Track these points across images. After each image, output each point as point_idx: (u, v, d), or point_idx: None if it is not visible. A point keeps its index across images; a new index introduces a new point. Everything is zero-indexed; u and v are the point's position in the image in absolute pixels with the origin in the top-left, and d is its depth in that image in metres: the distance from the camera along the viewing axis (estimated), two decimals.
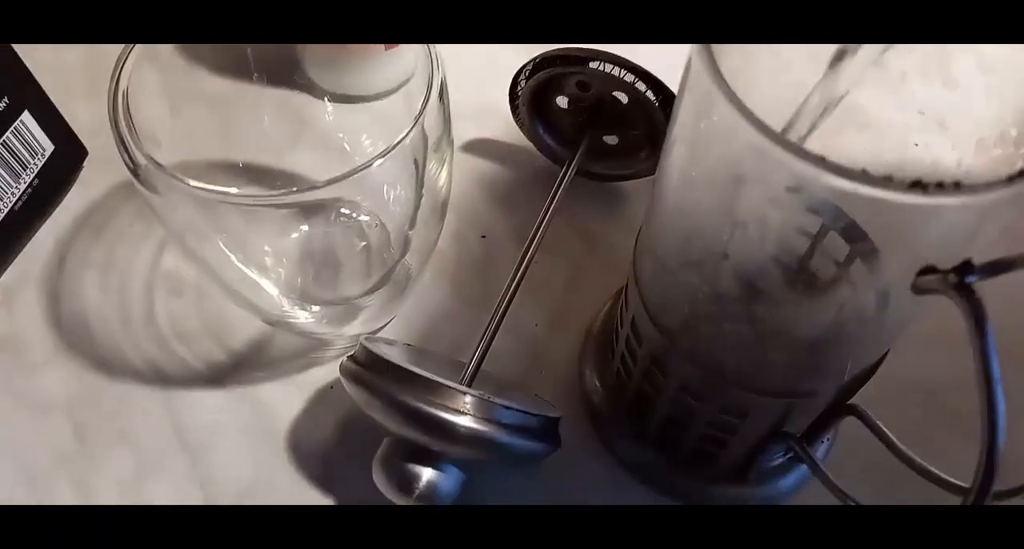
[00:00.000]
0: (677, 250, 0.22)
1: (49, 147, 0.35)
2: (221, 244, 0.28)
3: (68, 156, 0.36)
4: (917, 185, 0.15)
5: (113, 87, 0.25)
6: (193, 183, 0.24)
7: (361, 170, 0.24)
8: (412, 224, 0.31)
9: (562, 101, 0.36)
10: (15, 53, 0.33)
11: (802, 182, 0.16)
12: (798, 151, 0.15)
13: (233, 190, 0.24)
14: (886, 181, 0.15)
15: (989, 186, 0.15)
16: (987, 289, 0.17)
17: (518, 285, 0.31)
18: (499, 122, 0.39)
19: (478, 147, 0.40)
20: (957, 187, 0.15)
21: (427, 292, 0.35)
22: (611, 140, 0.36)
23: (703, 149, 0.19)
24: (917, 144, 0.23)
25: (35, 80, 0.34)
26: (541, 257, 0.35)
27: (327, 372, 0.33)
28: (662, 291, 0.24)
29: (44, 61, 0.42)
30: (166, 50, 0.29)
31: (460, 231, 0.37)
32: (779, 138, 0.16)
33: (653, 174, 0.36)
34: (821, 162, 0.15)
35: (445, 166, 0.30)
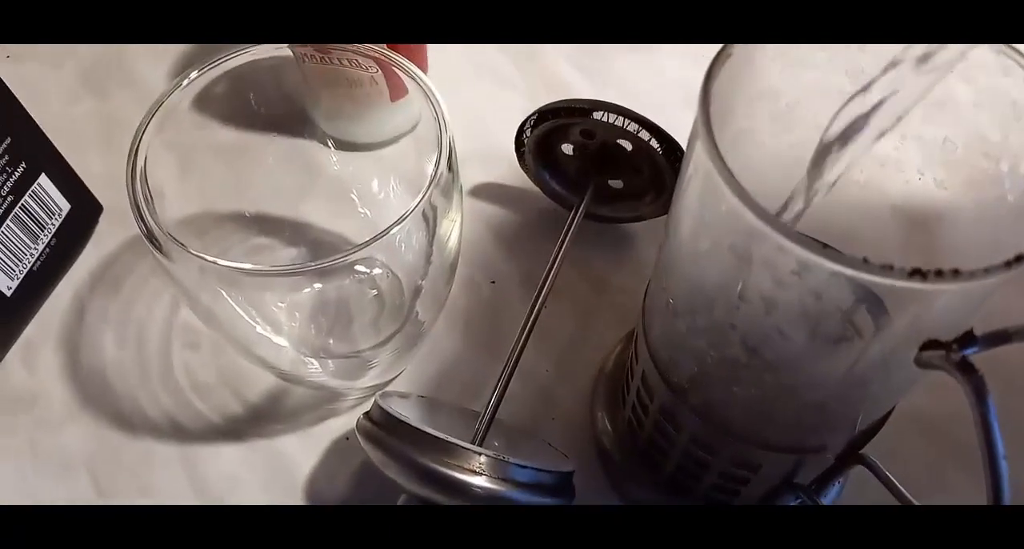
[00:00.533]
0: (685, 316, 0.22)
1: (66, 207, 0.36)
2: (233, 304, 0.28)
3: (84, 213, 0.37)
4: (917, 273, 0.15)
5: (131, 162, 0.26)
6: (210, 258, 0.24)
7: (380, 238, 0.25)
8: (424, 275, 0.32)
9: (567, 148, 0.36)
10: (30, 117, 0.33)
11: (805, 267, 0.16)
12: (800, 239, 0.16)
13: (248, 266, 0.24)
14: (887, 269, 0.15)
15: (988, 271, 0.16)
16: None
17: (529, 333, 0.32)
18: (505, 165, 0.40)
19: (485, 191, 0.40)
20: (956, 274, 0.15)
21: (438, 339, 0.36)
22: (616, 184, 0.37)
23: (707, 227, 0.19)
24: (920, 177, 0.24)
25: (50, 142, 0.35)
26: (549, 301, 0.35)
27: (343, 423, 0.33)
28: (671, 350, 0.24)
29: (54, 113, 0.43)
30: (182, 106, 0.30)
31: (469, 276, 0.37)
32: (782, 226, 0.16)
33: (658, 216, 0.37)
34: (824, 250, 0.16)
35: (456, 220, 0.30)
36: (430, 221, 0.29)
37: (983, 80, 0.20)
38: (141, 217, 0.25)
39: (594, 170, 0.36)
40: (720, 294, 0.20)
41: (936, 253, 0.24)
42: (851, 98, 0.20)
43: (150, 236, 0.25)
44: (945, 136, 0.22)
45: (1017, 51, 0.19)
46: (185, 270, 0.26)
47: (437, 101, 0.28)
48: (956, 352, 0.17)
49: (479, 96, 0.44)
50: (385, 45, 0.36)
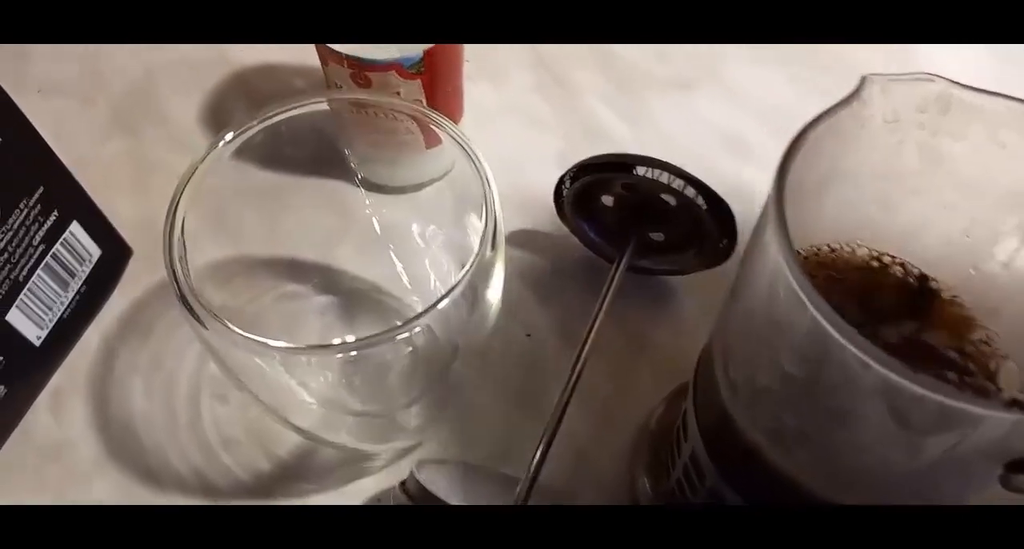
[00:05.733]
0: (745, 419, 0.21)
1: (96, 252, 0.35)
2: (263, 366, 0.28)
3: (114, 258, 0.37)
4: (1016, 404, 0.14)
5: (168, 232, 0.25)
6: (247, 335, 0.23)
7: (427, 313, 0.24)
8: (463, 332, 0.31)
9: (608, 199, 0.35)
10: (62, 164, 0.33)
11: (888, 389, 0.15)
12: (889, 363, 0.15)
13: (283, 344, 0.24)
14: (981, 399, 0.14)
15: None
16: None
17: (572, 394, 0.31)
18: (541, 210, 0.39)
19: (521, 239, 0.39)
20: None
21: (471, 395, 0.35)
22: (657, 236, 0.36)
23: (777, 334, 0.18)
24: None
25: (81, 188, 0.34)
26: (587, 358, 0.35)
27: (375, 483, 0.33)
28: (725, 447, 0.23)
29: (84, 151, 0.43)
30: (222, 156, 0.29)
31: (505, 328, 0.37)
32: (871, 349, 0.15)
33: (701, 270, 0.36)
34: (913, 376, 0.15)
35: (496, 273, 0.29)
36: (474, 288, 0.28)
37: None
38: (182, 295, 0.24)
39: (635, 223, 0.35)
40: (790, 394, 0.19)
41: None
42: None
43: (187, 305, 0.24)
44: None
45: None
46: (219, 339, 0.26)
47: (484, 169, 0.27)
48: None
49: (515, 139, 0.44)
50: (422, 99, 0.36)
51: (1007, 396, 0.14)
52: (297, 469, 0.33)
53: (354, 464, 0.33)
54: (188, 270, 0.26)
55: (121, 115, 0.45)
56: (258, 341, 0.24)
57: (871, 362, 0.15)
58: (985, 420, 0.15)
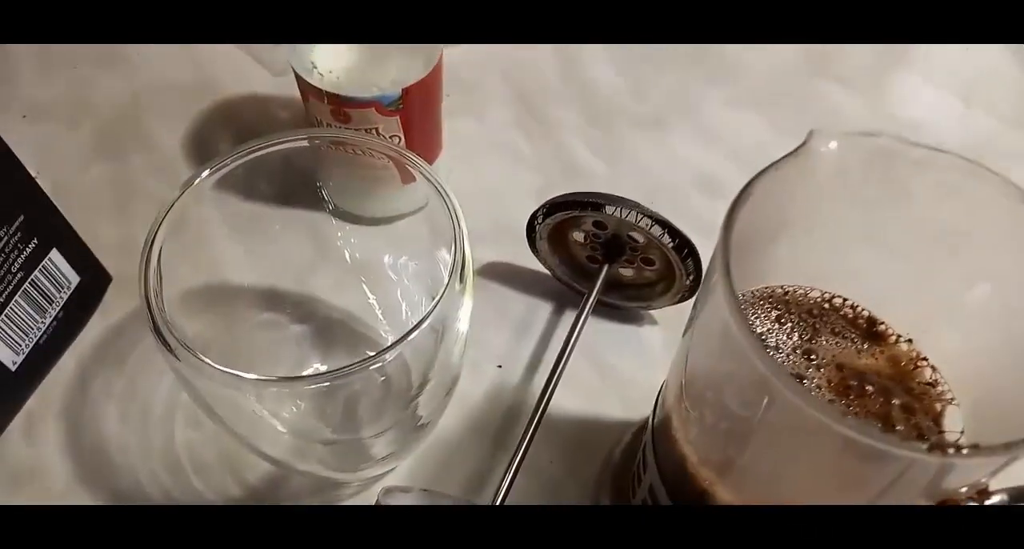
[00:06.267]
0: (695, 454, 0.22)
1: (75, 279, 0.36)
2: (235, 397, 0.28)
3: (93, 285, 0.37)
4: (937, 448, 0.15)
5: (143, 265, 0.26)
6: (219, 367, 0.24)
7: (394, 347, 0.25)
8: (431, 366, 0.31)
9: (579, 236, 0.36)
10: (43, 192, 0.33)
11: (822, 431, 0.16)
12: (822, 408, 0.16)
13: (255, 376, 0.24)
14: (909, 443, 0.15)
15: (1008, 447, 0.15)
16: None
17: (538, 425, 0.31)
18: (516, 243, 0.40)
19: (495, 271, 0.40)
20: (976, 449, 0.15)
21: (441, 426, 0.35)
22: (627, 272, 0.37)
23: (723, 374, 0.19)
24: None
25: (62, 216, 0.35)
26: (557, 389, 0.35)
27: None
28: (678, 480, 0.24)
29: (68, 178, 0.44)
30: (208, 185, 0.30)
31: (475, 359, 0.37)
32: (803, 393, 0.16)
33: (669, 305, 0.37)
34: (842, 419, 0.15)
35: (465, 305, 0.30)
36: (443, 319, 0.29)
37: None
38: (155, 327, 0.25)
39: (605, 259, 0.36)
40: (735, 431, 0.20)
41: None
42: None
43: (160, 337, 0.25)
44: None
45: None
46: (191, 371, 0.26)
47: (454, 205, 0.28)
48: None
49: (494, 174, 0.45)
50: (400, 135, 0.37)
51: (934, 440, 0.15)
52: (266, 496, 0.33)
53: (324, 492, 0.33)
54: (163, 303, 0.26)
55: (106, 140, 0.46)
56: (230, 373, 0.25)
57: (804, 405, 0.16)
58: (911, 461, 0.16)
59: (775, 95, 0.49)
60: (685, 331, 0.22)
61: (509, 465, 0.30)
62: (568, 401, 0.36)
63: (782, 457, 0.19)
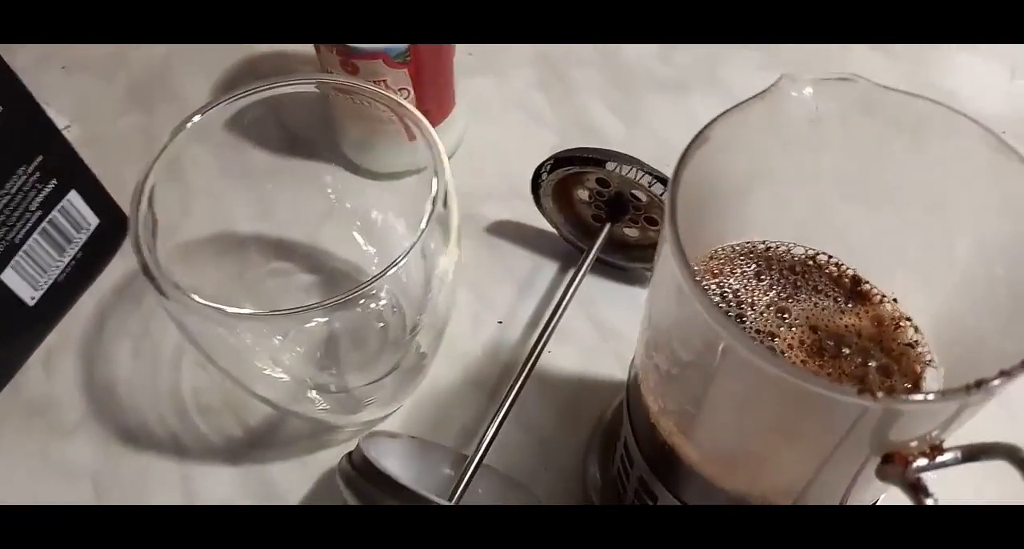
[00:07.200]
0: (656, 405, 0.22)
1: (94, 221, 0.37)
2: (232, 340, 0.29)
3: (113, 228, 0.38)
4: (866, 392, 0.15)
5: (135, 205, 0.26)
6: (206, 303, 0.25)
7: (377, 279, 0.25)
8: (423, 309, 0.32)
9: (583, 193, 0.36)
10: (62, 136, 0.35)
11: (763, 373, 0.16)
12: (756, 350, 0.15)
13: (248, 311, 0.25)
14: (841, 388, 0.15)
15: (946, 394, 0.15)
16: None
17: (527, 377, 0.31)
18: (526, 203, 0.40)
19: (503, 229, 0.40)
20: (910, 395, 0.15)
21: (439, 377, 0.36)
22: (632, 232, 0.37)
23: (677, 325, 0.19)
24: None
25: (81, 160, 0.36)
26: (555, 346, 0.35)
27: (334, 455, 0.34)
28: (645, 433, 0.24)
29: (100, 128, 0.45)
30: (214, 128, 0.31)
31: (478, 315, 0.37)
32: (737, 333, 0.16)
33: None
34: (778, 362, 0.15)
35: (452, 258, 0.30)
36: (428, 258, 0.29)
37: None
38: (144, 265, 0.25)
39: (609, 217, 0.36)
40: (690, 378, 0.20)
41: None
42: None
43: (146, 270, 0.26)
44: None
45: None
46: (182, 310, 0.27)
47: (438, 149, 0.28)
48: (912, 471, 0.16)
49: (510, 131, 0.44)
50: (410, 88, 0.37)
51: (862, 386, 0.15)
52: (264, 438, 0.34)
53: (319, 436, 0.34)
54: (154, 245, 0.27)
55: (138, 92, 0.47)
56: (216, 308, 0.26)
57: (739, 347, 0.16)
58: (855, 411, 0.16)
59: (810, 61, 0.47)
60: (650, 282, 0.22)
61: (495, 415, 0.30)
62: (566, 359, 0.36)
63: (733, 408, 0.19)
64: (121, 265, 0.40)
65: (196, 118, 0.29)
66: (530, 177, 0.37)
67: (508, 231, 0.40)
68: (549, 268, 0.39)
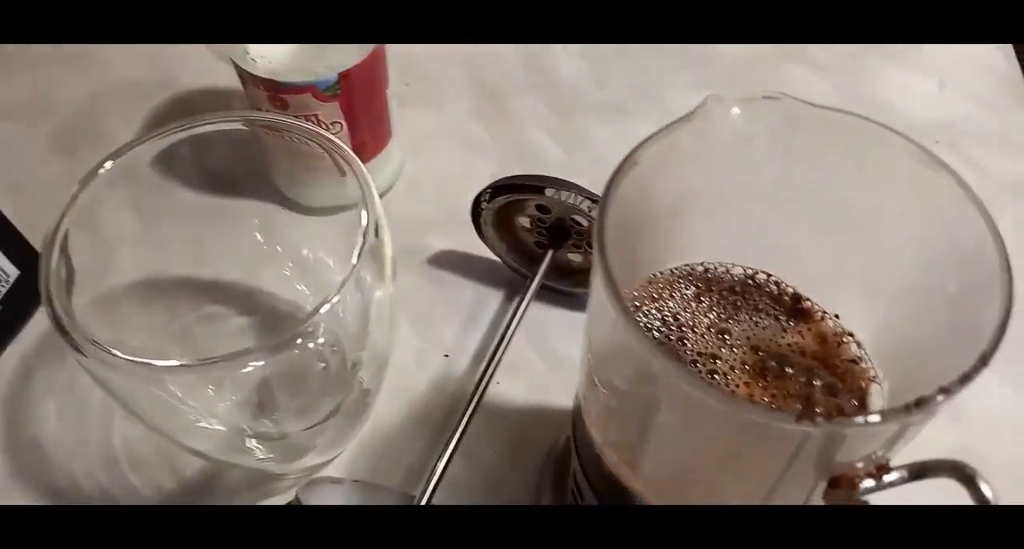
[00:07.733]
0: (599, 436, 0.21)
1: (14, 273, 0.35)
2: (161, 395, 0.27)
3: (34, 280, 0.37)
4: (805, 418, 0.14)
5: (47, 257, 0.25)
6: (131, 358, 0.24)
7: (312, 316, 0.24)
8: (363, 344, 0.31)
9: (524, 221, 0.35)
10: None
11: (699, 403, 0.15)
12: (692, 381, 0.15)
13: (176, 362, 0.24)
14: (780, 415, 0.14)
15: (887, 415, 0.14)
16: None
17: (473, 412, 0.31)
18: (468, 233, 0.39)
19: (445, 260, 0.40)
20: (845, 419, 0.14)
21: (383, 417, 0.34)
22: (575, 257, 0.36)
23: (611, 353, 0.18)
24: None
25: None
26: (503, 377, 0.35)
27: (278, 503, 0.32)
28: (592, 464, 0.23)
29: (22, 176, 0.43)
30: (140, 168, 0.30)
31: (422, 349, 0.36)
32: (665, 360, 0.15)
33: None
34: (711, 391, 0.15)
35: (388, 290, 0.29)
36: (364, 291, 0.28)
37: None
38: (50, 302, 0.24)
39: (551, 243, 0.35)
40: (630, 408, 0.19)
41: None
42: None
43: (58, 325, 0.24)
44: None
45: None
46: (102, 366, 0.25)
47: (366, 180, 0.27)
48: (859, 493, 0.16)
49: (450, 161, 0.44)
50: (342, 121, 0.36)
51: (801, 411, 0.14)
52: (203, 490, 0.33)
53: (260, 485, 0.33)
54: (70, 295, 0.26)
55: (63, 139, 0.46)
56: (139, 362, 0.24)
57: (674, 376, 0.15)
58: (798, 437, 0.15)
59: (744, 80, 0.48)
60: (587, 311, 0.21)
61: (442, 453, 0.29)
62: (514, 390, 0.35)
63: (675, 437, 0.18)
64: (44, 318, 0.38)
65: (108, 164, 0.28)
66: (468, 206, 0.36)
67: (451, 262, 0.40)
68: (494, 297, 0.38)
